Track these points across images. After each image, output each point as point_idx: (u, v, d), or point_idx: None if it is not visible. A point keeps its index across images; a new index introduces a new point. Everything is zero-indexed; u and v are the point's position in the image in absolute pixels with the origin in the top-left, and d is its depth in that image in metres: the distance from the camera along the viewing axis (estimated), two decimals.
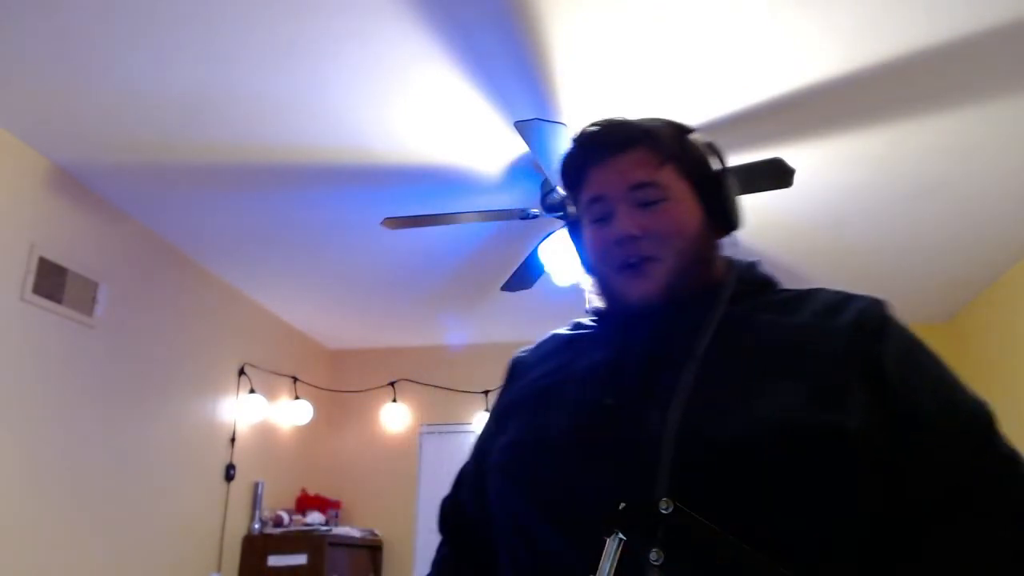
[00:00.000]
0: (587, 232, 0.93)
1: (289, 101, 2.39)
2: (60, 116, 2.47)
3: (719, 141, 0.96)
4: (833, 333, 0.78)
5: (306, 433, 4.60)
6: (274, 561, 3.78)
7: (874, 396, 0.74)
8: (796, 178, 2.45)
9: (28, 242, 2.65)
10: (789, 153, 2.60)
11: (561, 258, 2.72)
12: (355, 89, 2.33)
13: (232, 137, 2.58)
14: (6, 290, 2.56)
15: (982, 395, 0.78)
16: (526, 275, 3.05)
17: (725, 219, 0.91)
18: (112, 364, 3.04)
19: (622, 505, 0.70)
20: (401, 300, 4.12)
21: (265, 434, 4.19)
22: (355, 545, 4.20)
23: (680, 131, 0.92)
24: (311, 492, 4.43)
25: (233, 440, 3.85)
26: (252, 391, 4.00)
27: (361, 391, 4.85)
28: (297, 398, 4.46)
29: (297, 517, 4.12)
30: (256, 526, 3.90)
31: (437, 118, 2.48)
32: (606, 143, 0.91)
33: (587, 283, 0.96)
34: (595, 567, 0.68)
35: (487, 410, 4.54)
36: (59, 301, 2.76)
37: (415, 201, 2.97)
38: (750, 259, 0.93)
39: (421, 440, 4.76)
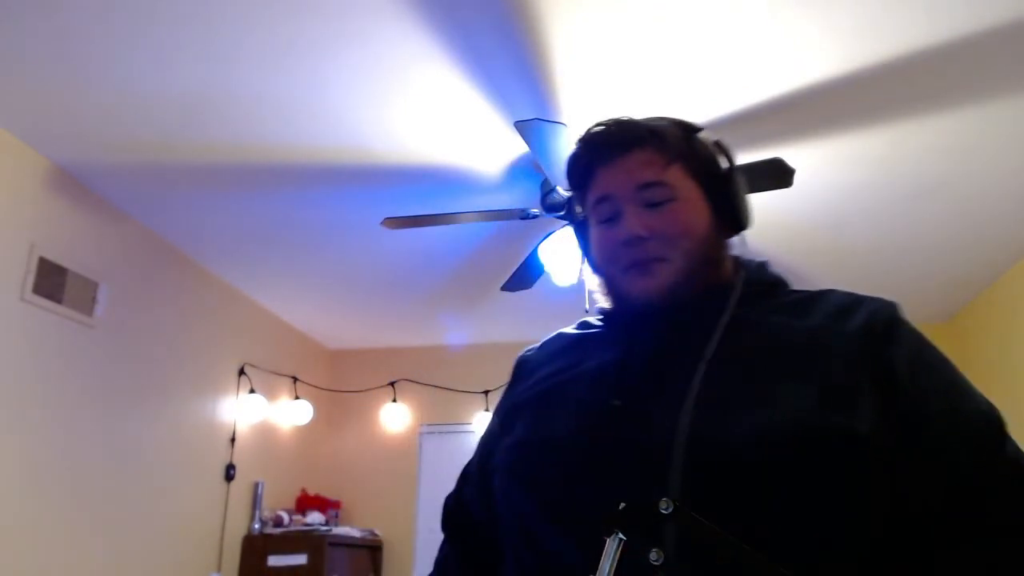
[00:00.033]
0: (594, 232, 0.92)
1: (289, 101, 2.39)
2: (60, 116, 2.47)
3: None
4: (844, 336, 0.78)
5: (306, 433, 4.60)
6: (274, 561, 3.78)
7: (884, 399, 0.73)
8: (796, 178, 2.45)
9: (28, 242, 2.65)
10: (789, 153, 2.60)
11: (561, 258, 2.72)
12: (355, 89, 2.33)
13: (232, 137, 2.58)
14: (6, 290, 2.56)
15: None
16: (526, 275, 3.05)
17: (734, 219, 0.90)
18: (112, 364, 3.04)
19: (622, 505, 0.70)
20: (401, 300, 4.12)
21: (265, 434, 4.19)
22: (355, 545, 4.20)
23: (687, 130, 0.92)
24: (311, 492, 4.43)
25: (233, 440, 3.85)
26: (252, 391, 4.00)
27: (361, 391, 4.85)
28: (297, 398, 4.46)
29: (297, 517, 4.12)
30: (256, 526, 3.90)
31: (437, 118, 2.48)
32: (613, 143, 0.90)
33: (593, 283, 0.95)
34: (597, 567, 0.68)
35: (487, 410, 4.54)
36: (59, 301, 2.76)
37: (415, 201, 2.97)
38: (759, 259, 0.92)
39: (421, 440, 4.76)
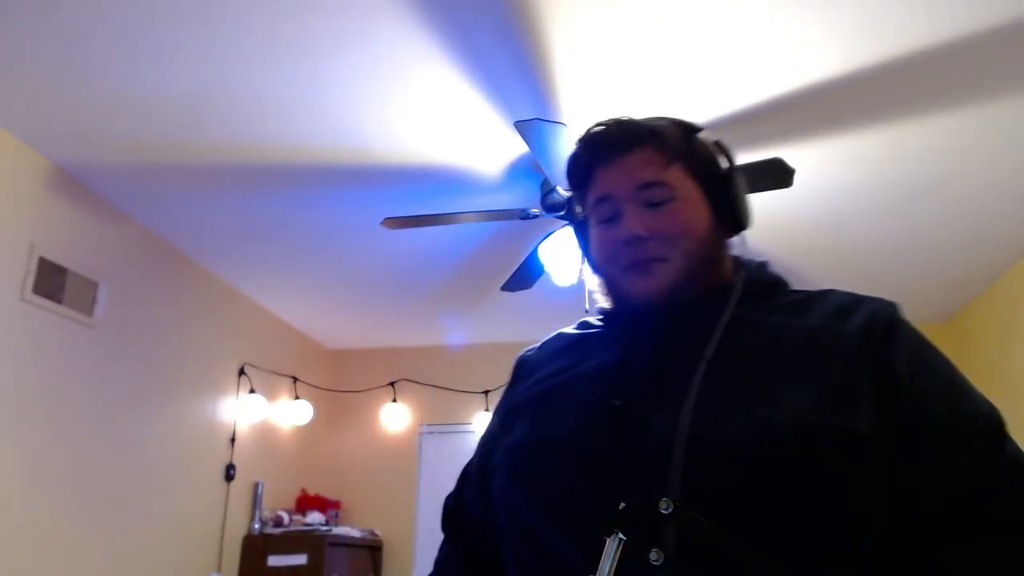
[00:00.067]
0: (594, 232, 0.92)
1: (289, 101, 2.39)
2: (60, 116, 2.47)
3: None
4: (844, 336, 0.78)
5: (306, 433, 4.60)
6: (274, 561, 3.78)
7: (884, 399, 0.73)
8: (796, 178, 2.45)
9: (28, 242, 2.65)
10: (789, 153, 2.60)
11: (561, 258, 2.72)
12: (355, 89, 2.33)
13: (232, 137, 2.58)
14: (6, 290, 2.56)
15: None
16: (526, 275, 3.05)
17: (734, 218, 0.90)
18: (112, 364, 3.04)
19: (622, 505, 0.70)
20: (401, 300, 4.12)
21: (265, 434, 4.19)
22: (355, 545, 4.20)
23: (688, 130, 0.91)
24: (311, 492, 4.43)
25: (233, 440, 3.85)
26: (252, 391, 4.00)
27: (361, 391, 4.85)
28: (297, 398, 4.46)
29: (297, 517, 4.12)
30: (256, 526, 3.90)
31: (437, 118, 2.48)
32: (613, 143, 0.90)
33: (593, 283, 0.95)
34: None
35: (487, 410, 4.54)
36: (59, 301, 2.76)
37: (415, 201, 2.97)
38: (759, 259, 0.92)
39: (421, 440, 4.76)
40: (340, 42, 2.12)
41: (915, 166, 2.73)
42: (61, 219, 2.80)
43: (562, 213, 2.65)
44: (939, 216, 3.09)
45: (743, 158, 2.51)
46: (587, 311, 0.97)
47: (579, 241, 0.99)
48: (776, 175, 2.38)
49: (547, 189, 2.65)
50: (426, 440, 4.75)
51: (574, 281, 2.79)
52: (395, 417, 4.73)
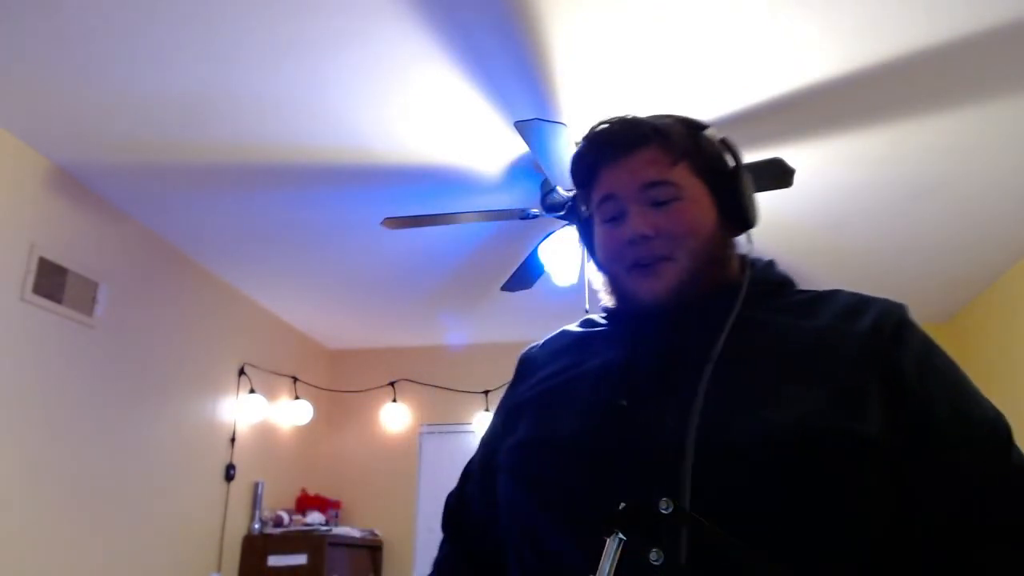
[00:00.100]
0: (599, 231, 0.91)
1: (289, 101, 2.39)
2: (60, 116, 2.47)
3: None
4: (852, 337, 0.77)
5: (306, 433, 4.60)
6: (274, 561, 3.78)
7: (892, 400, 0.73)
8: (796, 178, 2.45)
9: (28, 242, 2.65)
10: (789, 153, 2.60)
11: (561, 258, 2.72)
12: (355, 89, 2.33)
13: (232, 137, 2.58)
14: (6, 290, 2.56)
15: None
16: (526, 275, 3.04)
17: (740, 217, 0.89)
18: (112, 364, 3.04)
19: (622, 505, 0.70)
20: (401, 300, 4.12)
21: (265, 434, 4.19)
22: (355, 545, 4.20)
23: (693, 128, 0.90)
24: (311, 492, 4.43)
25: (233, 440, 3.85)
26: (252, 391, 4.00)
27: (361, 391, 4.85)
28: (297, 398, 4.46)
29: (297, 517, 4.12)
30: (256, 526, 3.90)
31: (437, 118, 2.48)
32: (618, 141, 0.89)
33: (597, 282, 0.95)
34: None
35: (487, 410, 4.54)
36: (59, 301, 2.76)
37: (415, 201, 2.97)
38: (766, 258, 0.91)
39: (421, 440, 4.76)
40: (340, 42, 2.12)
41: (915, 166, 2.73)
42: (61, 219, 2.80)
43: (562, 213, 2.65)
44: (939, 216, 3.09)
45: (743, 158, 2.52)
46: (587, 311, 0.97)
47: (583, 239, 0.99)
48: (776, 175, 2.38)
49: (547, 189, 2.65)
50: (426, 440, 4.75)
51: (574, 281, 2.79)
52: (395, 417, 4.73)
